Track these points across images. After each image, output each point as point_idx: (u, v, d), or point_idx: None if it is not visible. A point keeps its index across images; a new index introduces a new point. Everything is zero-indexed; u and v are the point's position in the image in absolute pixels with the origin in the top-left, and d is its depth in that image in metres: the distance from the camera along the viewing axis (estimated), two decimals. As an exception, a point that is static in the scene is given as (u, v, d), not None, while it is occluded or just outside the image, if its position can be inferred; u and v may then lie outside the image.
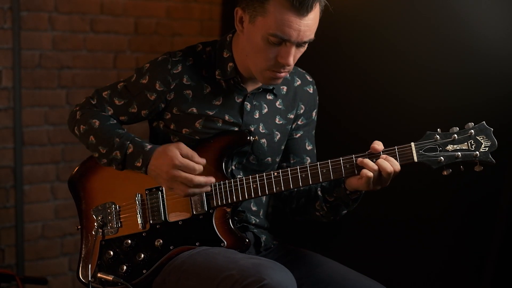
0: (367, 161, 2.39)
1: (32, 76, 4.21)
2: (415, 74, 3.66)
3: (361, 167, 2.40)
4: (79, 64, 4.38)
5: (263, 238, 2.70)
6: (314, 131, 2.80)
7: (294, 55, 2.44)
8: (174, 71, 2.58)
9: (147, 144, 2.56)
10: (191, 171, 2.47)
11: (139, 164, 2.54)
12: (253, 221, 2.69)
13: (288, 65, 2.44)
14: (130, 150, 2.55)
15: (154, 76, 2.60)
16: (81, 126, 2.66)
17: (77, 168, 2.75)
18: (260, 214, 2.72)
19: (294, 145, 2.75)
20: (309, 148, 2.77)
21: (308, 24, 2.39)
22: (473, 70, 3.45)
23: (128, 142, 2.56)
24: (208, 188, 2.52)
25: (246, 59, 2.53)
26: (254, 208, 2.70)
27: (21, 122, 4.18)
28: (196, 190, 2.50)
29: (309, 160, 2.76)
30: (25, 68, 4.18)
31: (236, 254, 2.45)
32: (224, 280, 2.31)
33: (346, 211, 2.60)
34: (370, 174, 2.38)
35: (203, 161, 2.50)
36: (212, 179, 2.50)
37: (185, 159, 2.47)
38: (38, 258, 4.30)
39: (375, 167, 2.38)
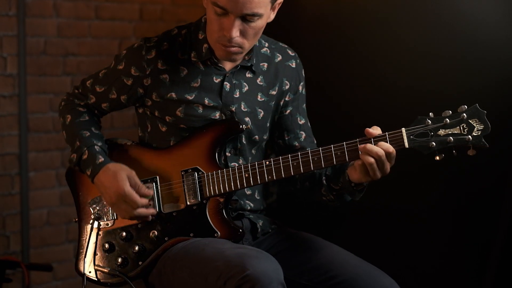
0: (363, 150, 2.34)
1: (37, 63, 4.21)
2: (409, 57, 3.65)
3: (352, 154, 2.37)
4: (84, 51, 4.38)
5: (260, 223, 2.69)
6: (304, 105, 2.77)
7: (242, 29, 2.43)
8: (148, 57, 2.59)
9: (100, 156, 2.58)
10: (133, 205, 2.51)
11: (88, 173, 2.59)
12: (249, 207, 2.68)
13: (230, 37, 2.43)
14: (84, 157, 2.60)
15: (129, 62, 2.62)
16: (60, 118, 2.75)
17: None
18: (256, 195, 2.72)
19: (286, 122, 2.73)
20: (301, 122, 2.75)
21: None
22: (468, 54, 3.44)
23: (85, 149, 2.60)
24: (149, 219, 2.56)
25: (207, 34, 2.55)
26: (248, 192, 2.69)
27: (26, 109, 4.18)
28: (137, 219, 2.56)
29: (304, 134, 2.74)
30: (30, 55, 4.17)
31: (225, 244, 2.44)
32: (212, 272, 2.33)
33: (351, 199, 2.58)
34: (368, 160, 2.33)
35: (150, 192, 2.54)
36: (153, 211, 2.55)
37: (131, 192, 2.50)
38: (43, 245, 4.31)
39: (370, 158, 2.33)
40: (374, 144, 2.35)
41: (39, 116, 4.24)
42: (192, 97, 2.59)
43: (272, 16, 2.53)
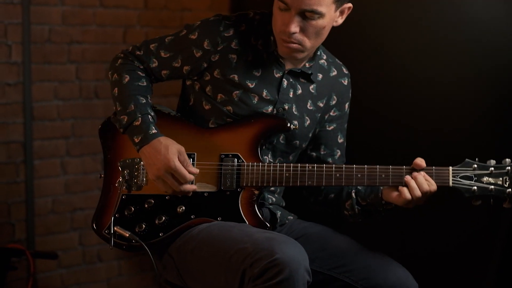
0: (412, 182, 2.42)
1: (42, 51, 4.20)
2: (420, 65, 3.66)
3: (396, 179, 2.44)
4: (88, 39, 4.37)
5: (279, 214, 2.71)
6: (346, 125, 2.80)
7: (302, 26, 2.46)
8: (225, 34, 2.59)
9: (153, 127, 2.55)
10: (182, 179, 2.50)
11: (136, 140, 2.54)
12: (270, 201, 2.71)
13: (290, 32, 2.45)
14: (136, 123, 2.55)
15: (204, 33, 2.60)
16: (114, 74, 2.67)
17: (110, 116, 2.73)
18: (276, 193, 2.74)
19: (327, 137, 2.75)
20: (340, 141, 2.78)
21: None
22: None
23: (139, 115, 2.56)
24: (190, 194, 2.55)
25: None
26: (272, 188, 2.71)
27: (31, 97, 4.17)
28: (178, 194, 2.55)
29: (339, 153, 2.77)
30: (35, 43, 4.17)
31: (251, 228, 2.47)
32: (238, 253, 2.33)
33: (375, 217, 2.63)
34: (409, 196, 2.42)
35: (196, 171, 2.54)
36: (194, 187, 2.54)
37: (181, 166, 2.49)
38: (48, 233, 4.31)
39: (417, 191, 2.41)
40: (422, 175, 2.43)
41: (44, 104, 4.24)
42: (253, 85, 2.59)
43: (340, 20, 2.56)
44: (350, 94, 2.80)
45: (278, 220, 2.70)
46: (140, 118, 2.55)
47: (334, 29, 2.58)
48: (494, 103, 3.44)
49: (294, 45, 2.50)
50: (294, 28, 2.45)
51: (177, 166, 2.49)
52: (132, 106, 2.58)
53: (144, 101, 2.61)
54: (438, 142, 3.65)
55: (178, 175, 2.50)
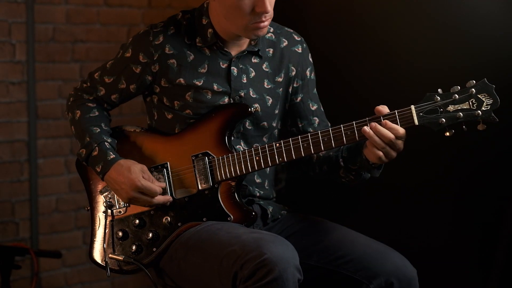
0: (373, 136, 2.35)
1: (46, 49, 4.21)
2: (415, 35, 3.64)
3: (362, 134, 2.37)
4: (92, 37, 4.37)
5: (270, 209, 2.69)
6: (315, 90, 2.77)
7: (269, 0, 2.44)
8: (156, 42, 2.59)
9: (111, 153, 2.58)
10: (152, 193, 2.54)
11: (98, 170, 2.58)
12: (258, 194, 2.69)
13: (267, 12, 2.44)
14: (94, 153, 2.59)
15: (136, 48, 2.62)
16: (69, 113, 2.73)
17: None
18: (265, 185, 2.72)
19: (298, 109, 2.73)
20: (314, 108, 2.75)
21: None
22: (474, 30, 3.42)
23: (96, 145, 2.59)
24: (167, 203, 2.57)
25: (224, 22, 2.53)
26: (258, 180, 2.70)
27: (35, 96, 4.18)
28: (154, 208, 2.59)
29: (317, 120, 2.74)
30: (39, 42, 4.17)
31: (239, 229, 2.45)
32: (227, 256, 2.33)
33: (370, 176, 2.57)
34: (377, 151, 2.36)
35: (162, 185, 2.57)
36: (169, 198, 2.57)
37: (147, 181, 2.53)
38: (52, 232, 4.32)
39: (375, 137, 2.34)
40: (384, 123, 2.35)
41: (48, 103, 4.25)
42: (201, 83, 2.59)
43: None
44: (310, 59, 2.76)
45: (270, 216, 2.68)
46: (97, 148, 2.59)
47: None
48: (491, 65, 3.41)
49: (267, 22, 2.49)
50: (269, 5, 2.44)
51: (143, 184, 2.52)
52: (88, 138, 2.61)
53: (98, 130, 2.64)
54: (402, 88, 3.64)
55: (147, 192, 2.53)
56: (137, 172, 2.52)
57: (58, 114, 4.28)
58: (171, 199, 2.57)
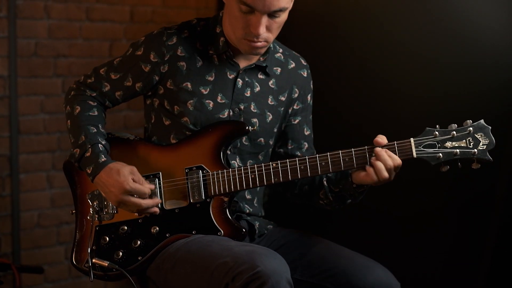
0: (376, 162, 2.42)
1: (28, 64, 4.20)
2: (416, 67, 3.67)
3: (360, 160, 2.44)
4: (75, 52, 4.37)
5: (257, 225, 2.71)
6: (311, 116, 2.81)
7: (268, 25, 2.46)
8: (169, 43, 2.60)
9: (103, 155, 2.56)
10: (141, 195, 2.52)
11: (89, 171, 2.56)
12: (247, 210, 2.70)
13: (258, 35, 2.45)
14: (87, 154, 2.57)
15: (149, 47, 2.62)
16: (67, 106, 2.69)
17: None
18: (255, 202, 2.74)
19: (293, 131, 2.76)
20: (307, 133, 2.79)
21: None
22: (473, 64, 3.45)
23: (89, 146, 2.57)
24: (157, 210, 2.56)
25: (229, 30, 2.55)
26: (248, 197, 2.71)
27: (17, 111, 4.17)
28: (144, 212, 2.56)
29: (306, 145, 2.78)
30: (21, 56, 4.17)
31: (230, 242, 2.46)
32: (219, 268, 2.33)
33: (350, 202, 2.61)
34: (375, 176, 2.42)
35: (152, 186, 2.55)
36: (157, 200, 2.56)
37: (136, 184, 2.51)
38: (34, 247, 4.30)
39: (383, 169, 2.41)
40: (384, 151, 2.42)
41: (30, 118, 4.24)
42: (207, 91, 2.60)
43: (291, 4, 2.53)
44: (312, 86, 2.80)
45: (257, 231, 2.70)
46: (90, 149, 2.57)
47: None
48: (486, 99, 3.45)
49: (261, 43, 2.50)
50: (263, 29, 2.45)
51: (132, 186, 2.50)
52: (83, 137, 2.59)
53: (95, 130, 2.62)
54: (399, 118, 3.68)
55: (136, 193, 2.51)
56: (126, 175, 2.50)
57: (40, 129, 4.27)
58: (160, 201, 2.56)
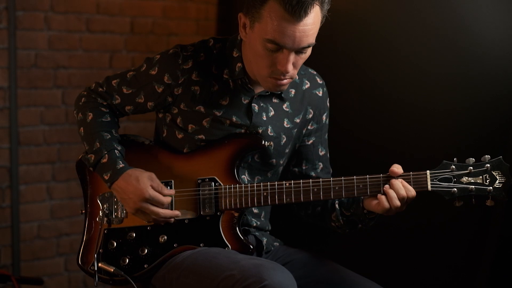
0: (389, 191, 2.39)
1: (28, 75, 4.20)
2: (427, 82, 3.64)
3: (374, 188, 2.42)
4: (75, 63, 4.37)
5: (264, 241, 2.69)
6: (326, 135, 2.77)
7: (294, 62, 2.40)
8: (184, 66, 2.56)
9: (120, 161, 2.54)
10: (160, 205, 2.50)
11: (106, 177, 2.53)
12: (254, 224, 2.68)
13: (287, 72, 2.40)
14: (104, 160, 2.54)
15: (163, 68, 2.58)
16: (79, 113, 2.66)
17: None
18: (262, 216, 2.72)
19: (308, 152, 2.73)
20: (322, 153, 2.74)
21: (304, 30, 2.33)
22: (494, 97, 3.43)
23: (105, 152, 2.55)
24: (172, 220, 2.54)
25: (250, 65, 2.51)
26: (255, 211, 2.69)
27: (17, 122, 4.17)
28: (160, 222, 2.54)
29: (321, 166, 2.74)
30: (21, 67, 4.17)
31: (237, 255, 2.44)
32: (225, 280, 2.31)
33: (361, 226, 2.59)
34: (387, 205, 2.40)
35: (172, 192, 2.54)
36: (177, 213, 2.53)
37: (155, 193, 2.49)
38: (34, 258, 4.29)
39: (395, 199, 2.38)
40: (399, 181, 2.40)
41: (30, 129, 4.24)
42: (221, 113, 2.57)
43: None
44: (328, 104, 2.76)
45: (264, 248, 2.68)
46: (106, 155, 2.54)
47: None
48: (472, 106, 3.42)
49: (286, 81, 2.46)
50: (291, 67, 2.40)
51: (151, 194, 2.48)
52: (98, 143, 2.57)
53: (109, 136, 2.60)
54: (416, 146, 3.62)
55: (155, 202, 2.49)
56: (145, 182, 2.48)
57: (40, 140, 4.27)
58: (179, 214, 2.54)
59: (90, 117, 2.62)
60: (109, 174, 2.52)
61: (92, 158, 2.56)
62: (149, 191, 2.48)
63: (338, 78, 3.84)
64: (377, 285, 2.54)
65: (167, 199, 2.51)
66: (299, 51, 2.38)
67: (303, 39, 2.34)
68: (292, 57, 2.38)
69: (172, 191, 2.53)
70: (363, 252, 3.86)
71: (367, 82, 3.87)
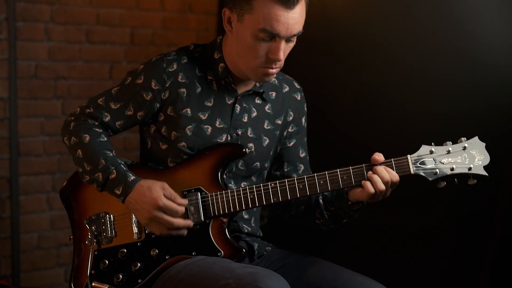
0: (373, 176, 2.43)
1: (28, 86, 4.21)
2: (412, 80, 3.67)
3: (358, 178, 2.45)
4: (75, 74, 4.38)
5: (256, 246, 2.71)
6: (305, 138, 2.83)
7: (284, 50, 2.48)
8: (170, 69, 2.60)
9: (130, 174, 2.54)
10: (173, 214, 2.50)
11: (118, 192, 2.53)
12: (245, 230, 2.71)
13: (279, 60, 2.48)
14: (112, 176, 2.54)
15: (149, 75, 2.61)
16: (72, 137, 2.65)
17: (68, 178, 2.75)
18: (252, 222, 2.74)
19: (289, 154, 2.78)
20: (302, 155, 2.80)
21: (295, 17, 2.42)
22: (470, 77, 3.46)
23: (113, 168, 2.55)
24: (185, 232, 2.54)
25: (236, 59, 2.56)
26: (246, 217, 2.72)
27: (17, 133, 4.17)
28: (173, 233, 2.54)
29: (302, 167, 2.79)
30: (21, 78, 4.18)
31: (232, 264, 2.45)
32: None
33: (346, 221, 2.62)
34: (372, 189, 2.43)
35: (185, 202, 2.54)
36: (190, 222, 2.53)
37: (169, 201, 2.50)
38: (34, 269, 4.29)
39: (380, 183, 2.42)
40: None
41: (30, 140, 4.24)
42: (205, 117, 2.61)
43: None
44: (306, 108, 2.82)
45: (256, 252, 2.70)
46: (114, 170, 2.55)
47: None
48: (470, 108, 3.46)
49: (276, 70, 2.52)
50: (282, 55, 2.48)
51: (165, 203, 2.49)
52: (103, 161, 2.57)
53: (112, 154, 2.61)
54: (395, 134, 3.68)
55: (169, 212, 2.50)
56: (158, 191, 2.49)
57: (40, 151, 4.28)
58: (192, 224, 2.54)
59: (87, 139, 2.62)
60: (121, 189, 2.53)
61: (100, 177, 2.56)
62: (163, 199, 2.49)
63: (332, 80, 3.88)
64: (371, 278, 2.55)
65: (181, 208, 2.52)
66: (288, 39, 2.46)
67: (295, 26, 2.44)
68: (283, 45, 2.46)
69: (185, 201, 2.54)
70: (363, 252, 3.88)
71: (361, 83, 3.91)
